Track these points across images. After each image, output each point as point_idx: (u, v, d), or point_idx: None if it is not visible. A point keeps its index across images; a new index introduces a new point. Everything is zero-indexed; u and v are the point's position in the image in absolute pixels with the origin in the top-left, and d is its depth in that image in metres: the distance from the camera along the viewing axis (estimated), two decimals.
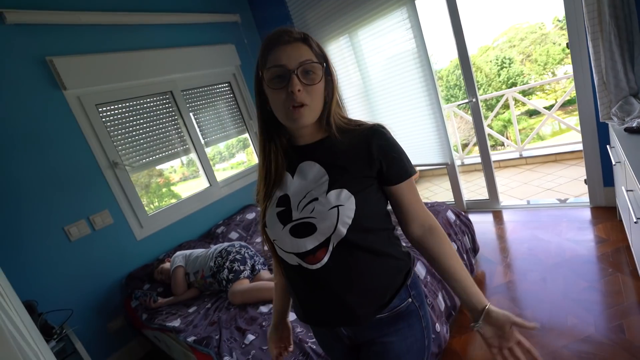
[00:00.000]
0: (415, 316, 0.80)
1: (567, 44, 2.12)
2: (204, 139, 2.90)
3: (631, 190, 1.36)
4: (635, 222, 1.22)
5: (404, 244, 0.84)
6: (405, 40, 2.54)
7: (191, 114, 2.83)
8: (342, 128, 0.76)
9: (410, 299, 0.79)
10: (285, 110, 0.70)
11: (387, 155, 0.74)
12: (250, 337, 1.46)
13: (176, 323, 1.77)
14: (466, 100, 2.63)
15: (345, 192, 0.71)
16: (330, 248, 0.72)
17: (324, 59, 0.73)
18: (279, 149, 0.78)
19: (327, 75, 0.74)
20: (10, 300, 1.03)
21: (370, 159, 0.73)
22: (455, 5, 2.39)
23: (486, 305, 0.71)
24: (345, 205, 0.70)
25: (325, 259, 0.72)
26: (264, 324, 1.52)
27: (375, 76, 2.85)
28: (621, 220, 2.11)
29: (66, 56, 2.13)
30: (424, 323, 0.81)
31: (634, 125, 1.63)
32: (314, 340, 1.27)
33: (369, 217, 0.74)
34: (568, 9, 2.04)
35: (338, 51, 2.98)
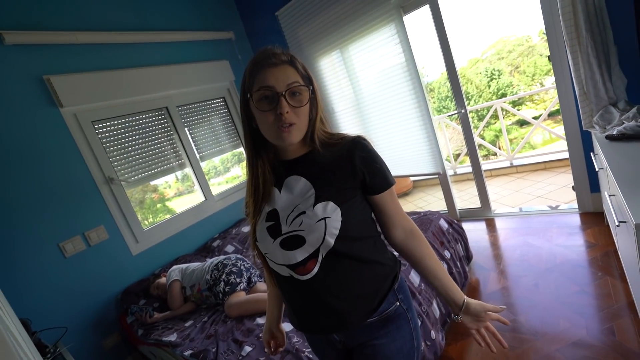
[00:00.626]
0: (404, 319, 0.83)
1: (548, 56, 2.22)
2: (199, 153, 2.94)
3: (613, 195, 1.42)
4: (617, 226, 1.27)
5: (390, 250, 0.88)
6: (395, 54, 2.63)
7: (186, 129, 2.87)
8: (325, 142, 0.80)
9: (398, 303, 0.83)
10: (275, 130, 0.73)
11: (370, 167, 0.78)
12: (247, 348, 1.46)
13: (172, 337, 1.76)
14: (455, 112, 2.71)
15: (331, 204, 0.74)
16: (320, 259, 0.75)
17: (309, 81, 0.76)
18: (266, 164, 0.82)
19: (311, 95, 0.77)
20: (10, 316, 1.03)
21: (353, 170, 0.77)
22: (441, 20, 2.49)
23: (464, 299, 0.80)
24: (331, 217, 0.74)
25: (315, 269, 0.76)
26: (260, 335, 1.53)
27: (366, 89, 2.93)
28: (608, 225, 2.16)
29: (63, 75, 2.18)
30: (412, 325, 0.85)
31: (614, 133, 1.70)
32: (311, 349, 1.28)
33: (355, 227, 0.77)
34: (548, 24, 2.14)
35: (330, 66, 3.06)
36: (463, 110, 2.66)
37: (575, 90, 2.01)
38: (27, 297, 1.95)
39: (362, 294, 0.79)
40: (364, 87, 2.93)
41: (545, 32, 2.15)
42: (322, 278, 0.76)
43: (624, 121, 1.72)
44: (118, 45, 2.49)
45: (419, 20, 3.05)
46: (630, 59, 1.84)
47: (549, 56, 2.21)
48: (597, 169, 1.75)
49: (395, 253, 0.89)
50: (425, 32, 2.93)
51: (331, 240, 0.74)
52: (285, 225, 0.77)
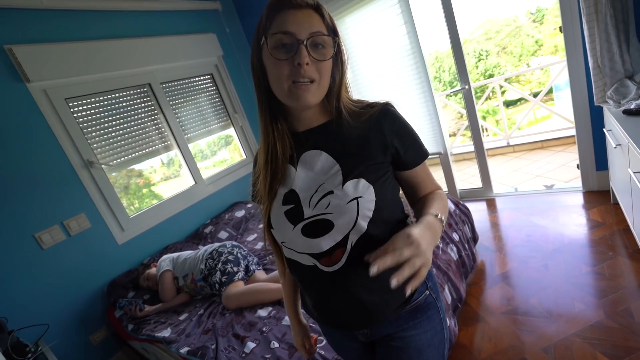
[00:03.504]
0: (434, 308, 0.76)
1: (560, 27, 2.09)
2: (186, 134, 2.73)
3: (638, 172, 1.34)
4: None
5: None
6: (396, 26, 2.46)
7: (172, 108, 2.65)
8: (349, 110, 0.68)
9: (427, 291, 0.75)
10: (288, 86, 0.61)
11: (402, 139, 0.68)
12: (251, 344, 1.34)
13: (166, 333, 1.63)
14: (459, 88, 2.58)
15: (363, 182, 0.63)
16: (349, 247, 0.64)
17: (335, 34, 0.64)
18: (286, 132, 0.69)
19: (337, 52, 0.65)
20: None
21: (384, 144, 0.66)
22: None
23: (437, 215, 0.62)
24: (364, 196, 0.63)
25: (343, 259, 0.65)
26: (264, 329, 1.41)
27: (364, 64, 2.75)
28: (616, 204, 2.12)
29: (29, 45, 1.92)
30: (442, 314, 0.77)
31: (632, 107, 1.61)
32: (324, 343, 1.18)
33: (388, 208, 0.68)
34: None
35: None
36: (467, 87, 2.54)
37: (589, 64, 1.90)
38: (1, 294, 1.77)
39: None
40: (362, 62, 2.76)
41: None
42: (350, 269, 0.66)
43: None
44: (92, 12, 2.22)
45: None
46: None
47: (560, 27, 2.09)
48: (613, 146, 1.66)
49: None
50: (424, 5, 2.75)
51: (364, 224, 0.63)
52: (309, 208, 0.65)
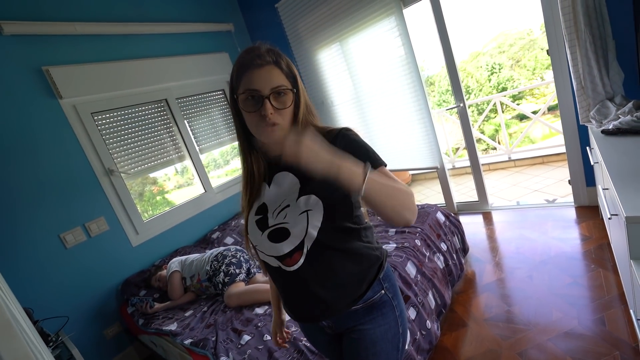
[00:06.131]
0: (389, 306, 0.87)
1: (547, 50, 2.22)
2: (198, 146, 2.95)
3: (607, 189, 1.44)
4: (609, 218, 1.29)
5: (376, 241, 0.90)
6: (395, 47, 2.63)
7: (186, 121, 2.87)
8: None
9: (383, 291, 0.86)
10: (260, 130, 0.75)
11: (352, 153, 0.75)
12: (246, 337, 1.49)
13: (173, 326, 1.80)
14: (454, 105, 2.72)
15: (313, 197, 0.76)
16: (305, 250, 0.78)
17: (294, 80, 0.77)
18: (260, 157, 0.85)
19: (296, 94, 0.78)
20: (14, 305, 1.06)
21: None
22: (441, 14, 2.49)
23: (366, 165, 0.66)
24: (313, 209, 0.76)
25: (301, 260, 0.79)
26: (259, 324, 1.56)
27: (365, 83, 2.92)
28: (603, 219, 2.19)
29: (62, 66, 2.17)
30: (397, 312, 0.88)
31: (610, 127, 1.72)
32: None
33: (337, 219, 0.79)
34: (547, 18, 2.14)
35: (330, 58, 3.05)
36: (462, 105, 2.67)
37: (573, 85, 2.02)
38: (29, 287, 1.97)
39: (347, 284, 0.81)
40: (363, 80, 2.93)
41: (544, 26, 2.15)
42: (307, 268, 0.79)
43: (620, 116, 1.74)
44: (117, 36, 2.48)
45: (419, 13, 3.03)
46: (627, 53, 1.85)
47: (547, 50, 2.21)
48: (592, 163, 1.76)
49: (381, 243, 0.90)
50: (427, 25, 2.91)
51: (314, 232, 0.77)
52: (272, 218, 0.81)
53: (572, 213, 2.45)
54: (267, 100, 0.73)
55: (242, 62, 0.75)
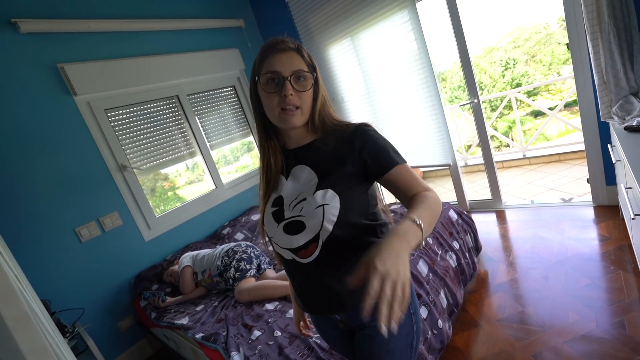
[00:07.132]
0: None
1: (567, 44, 2.14)
2: (209, 142, 2.96)
3: (630, 188, 1.38)
4: (633, 219, 1.24)
5: None
6: (407, 42, 2.58)
7: (197, 117, 2.89)
8: (332, 130, 0.82)
9: None
10: (278, 112, 0.77)
11: (370, 150, 0.77)
12: (257, 333, 1.49)
13: (184, 321, 1.82)
14: (468, 102, 2.66)
15: (330, 192, 0.77)
16: (320, 243, 0.78)
17: (314, 69, 0.79)
18: (278, 148, 0.85)
19: (315, 83, 0.80)
20: (33, 296, 1.08)
21: (353, 157, 0.77)
22: (455, 7, 2.43)
23: (412, 219, 0.64)
24: (330, 204, 0.76)
25: (316, 253, 0.79)
26: (269, 320, 1.56)
27: (377, 78, 2.88)
28: (624, 219, 2.11)
29: (77, 63, 2.20)
30: (412, 309, 0.87)
31: (634, 124, 1.65)
32: (318, 335, 1.31)
33: (353, 214, 0.79)
34: (568, 10, 2.06)
35: (341, 54, 3.02)
36: (476, 100, 2.61)
37: (595, 80, 1.94)
38: (46, 280, 2.02)
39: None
40: (375, 76, 2.89)
41: (564, 18, 2.08)
42: (322, 261, 0.79)
43: None
44: (129, 33, 2.50)
45: (432, 7, 2.97)
46: None
47: (567, 44, 2.14)
48: (614, 161, 1.70)
49: None
50: (439, 19, 2.85)
51: (329, 227, 0.77)
52: (288, 210, 0.81)
53: (590, 212, 2.38)
54: (288, 81, 0.74)
55: (266, 47, 0.77)
